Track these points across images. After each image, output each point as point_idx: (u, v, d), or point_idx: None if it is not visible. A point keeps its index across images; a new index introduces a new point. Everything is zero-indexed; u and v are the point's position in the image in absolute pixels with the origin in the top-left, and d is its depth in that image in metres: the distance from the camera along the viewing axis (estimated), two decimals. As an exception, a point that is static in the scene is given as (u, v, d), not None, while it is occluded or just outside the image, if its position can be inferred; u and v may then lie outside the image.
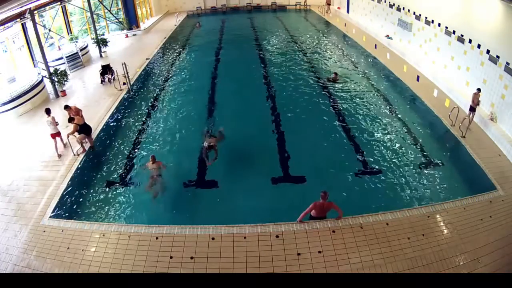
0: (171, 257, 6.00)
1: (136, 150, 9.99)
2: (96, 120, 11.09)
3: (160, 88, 14.61)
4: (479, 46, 10.38)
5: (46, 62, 13.32)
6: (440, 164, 8.82)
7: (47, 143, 9.78)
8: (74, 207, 7.76)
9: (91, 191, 8.36)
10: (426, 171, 8.59)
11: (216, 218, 7.10)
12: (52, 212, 7.24)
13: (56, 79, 13.14)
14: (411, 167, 8.72)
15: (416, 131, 10.36)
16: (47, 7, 15.97)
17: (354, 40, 19.89)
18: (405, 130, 10.47)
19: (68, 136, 9.22)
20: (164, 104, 12.92)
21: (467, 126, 9.50)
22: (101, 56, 18.35)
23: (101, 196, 8.19)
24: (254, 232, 6.36)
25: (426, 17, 13.87)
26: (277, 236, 6.28)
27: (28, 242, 6.54)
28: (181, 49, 20.11)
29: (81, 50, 17.03)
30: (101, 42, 18.54)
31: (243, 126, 10.81)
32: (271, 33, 23.00)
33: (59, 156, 9.27)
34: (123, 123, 11.53)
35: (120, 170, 9.09)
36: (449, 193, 7.79)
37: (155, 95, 13.88)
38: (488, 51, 9.94)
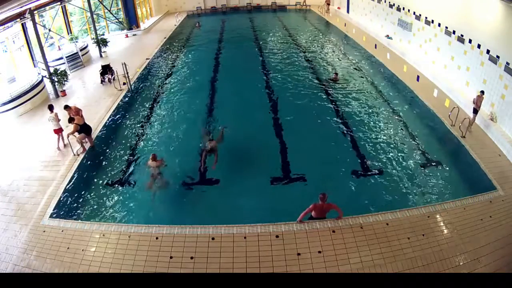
0: (171, 257, 6.00)
1: (136, 150, 9.99)
2: (96, 120, 11.09)
3: (160, 88, 14.61)
4: (479, 46, 10.38)
5: (46, 62, 13.32)
6: (440, 164, 8.82)
7: (47, 143, 9.79)
8: (74, 207, 7.76)
9: (91, 191, 8.36)
10: (426, 171, 8.59)
11: (216, 218, 7.10)
12: (52, 212, 7.24)
13: (56, 79, 13.14)
14: (411, 167, 8.72)
15: (416, 131, 10.36)
16: (47, 7, 15.96)
17: (354, 40, 19.88)
18: (405, 130, 10.47)
19: (68, 136, 9.22)
20: (164, 104, 12.91)
21: (467, 126, 9.50)
22: (101, 56, 18.35)
23: (101, 196, 8.19)
24: (254, 232, 6.35)
25: (426, 17, 13.87)
26: (277, 236, 6.27)
27: (28, 242, 6.54)
28: (181, 49, 20.11)
29: (81, 50, 17.03)
30: (101, 42, 18.53)
31: (243, 126, 10.81)
32: (271, 33, 23.01)
33: (59, 149, 9.54)
34: (123, 123, 11.53)
35: (120, 170, 9.09)
36: (449, 193, 7.79)
37: (155, 95, 13.88)
38: (488, 51, 9.94)
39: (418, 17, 14.59)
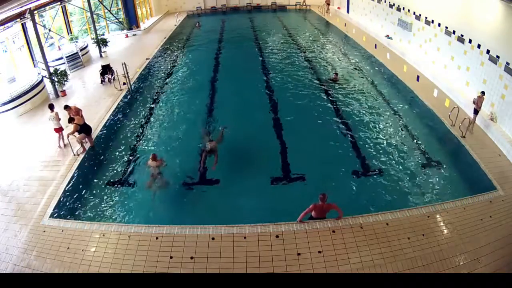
0: (171, 257, 6.00)
1: (136, 150, 9.99)
2: (96, 120, 11.09)
3: (160, 88, 14.61)
4: (479, 46, 10.38)
5: (46, 62, 13.32)
6: (440, 164, 8.82)
7: (47, 143, 9.79)
8: (74, 207, 7.76)
9: (91, 191, 8.36)
10: (426, 171, 8.59)
11: (216, 218, 7.11)
12: (52, 212, 7.24)
13: (56, 79, 13.14)
14: (411, 167, 8.72)
15: (416, 131, 10.36)
16: (47, 7, 15.96)
17: (354, 40, 19.89)
18: (405, 130, 10.47)
19: (68, 136, 9.22)
20: (164, 104, 12.91)
21: (467, 126, 9.50)
22: (101, 56, 18.35)
23: (101, 196, 8.20)
24: (254, 232, 6.35)
25: (426, 17, 13.87)
26: (277, 236, 6.27)
27: (28, 242, 6.54)
28: (181, 49, 20.11)
29: (81, 50, 17.03)
30: (101, 42, 18.53)
31: (243, 126, 10.81)
32: (271, 33, 23.00)
33: (60, 147, 9.68)
34: (123, 123, 11.53)
35: (120, 170, 9.09)
36: (449, 193, 7.79)
37: (155, 95, 13.88)
38: (488, 51, 9.94)
39: (418, 17, 14.59)
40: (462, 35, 11.31)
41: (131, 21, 24.10)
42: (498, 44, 9.53)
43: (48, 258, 6.19)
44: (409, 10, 15.45)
